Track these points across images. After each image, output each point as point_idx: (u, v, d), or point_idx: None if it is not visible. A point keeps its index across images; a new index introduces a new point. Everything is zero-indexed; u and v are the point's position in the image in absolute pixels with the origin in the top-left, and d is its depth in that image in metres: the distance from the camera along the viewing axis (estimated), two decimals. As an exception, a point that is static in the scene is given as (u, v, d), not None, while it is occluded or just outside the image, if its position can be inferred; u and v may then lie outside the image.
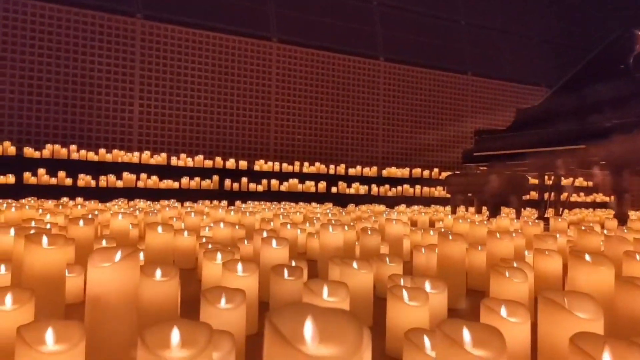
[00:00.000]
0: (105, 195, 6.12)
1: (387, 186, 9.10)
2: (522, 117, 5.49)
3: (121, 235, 2.35)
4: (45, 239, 1.15)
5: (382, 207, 5.84)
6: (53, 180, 6.84)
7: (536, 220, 3.04)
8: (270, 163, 9.11)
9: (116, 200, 5.36)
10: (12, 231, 1.75)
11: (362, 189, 8.79)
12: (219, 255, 1.44)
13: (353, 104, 11.04)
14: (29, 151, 7.39)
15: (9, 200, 4.59)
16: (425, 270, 1.71)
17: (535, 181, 6.14)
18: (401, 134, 11.47)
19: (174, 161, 8.35)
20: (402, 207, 6.24)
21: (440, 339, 0.64)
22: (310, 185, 8.43)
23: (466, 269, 1.70)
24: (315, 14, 10.67)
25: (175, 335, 0.62)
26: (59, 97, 8.40)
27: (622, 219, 4.10)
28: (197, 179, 7.76)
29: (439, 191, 9.33)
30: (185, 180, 7.66)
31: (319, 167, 9.40)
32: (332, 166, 9.53)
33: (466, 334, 0.65)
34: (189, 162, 8.38)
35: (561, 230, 2.91)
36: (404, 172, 10.02)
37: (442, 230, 2.67)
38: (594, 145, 4.17)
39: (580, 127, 4.36)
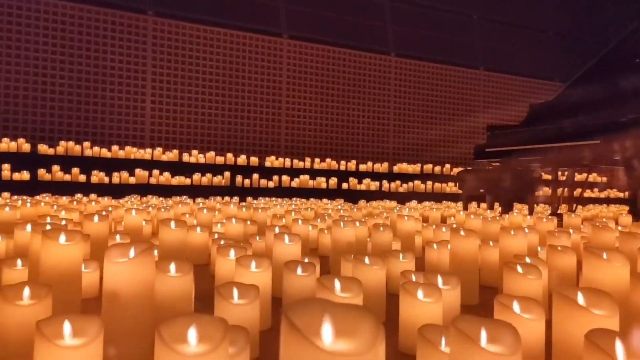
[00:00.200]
0: (118, 191, 6.18)
1: (398, 182, 9.07)
2: (536, 112, 5.45)
3: (135, 231, 2.38)
4: (62, 235, 1.16)
5: (393, 203, 5.83)
6: (67, 177, 6.91)
7: (549, 217, 3.02)
8: (281, 159, 9.13)
9: (129, 197, 5.41)
10: (28, 227, 1.78)
11: (373, 185, 8.78)
12: (232, 251, 1.45)
13: (364, 100, 11.02)
14: (43, 148, 7.47)
15: (24, 197, 4.66)
16: (438, 266, 1.71)
17: (549, 177, 6.09)
18: (412, 130, 11.42)
19: (185, 157, 8.39)
20: (414, 203, 6.22)
21: (455, 335, 0.64)
22: (321, 182, 8.44)
23: (479, 266, 1.69)
24: (325, 10, 10.65)
25: (191, 330, 0.63)
26: (73, 95, 8.48)
27: (637, 215, 4.06)
28: (209, 175, 7.80)
29: (450, 187, 9.29)
30: (197, 176, 7.71)
31: (329, 164, 9.40)
32: (343, 162, 9.52)
33: (481, 331, 0.65)
34: (201, 159, 8.43)
35: (575, 227, 2.89)
36: (415, 168, 9.99)
37: (454, 226, 2.66)
38: (608, 140, 4.12)
39: (595, 122, 4.32)
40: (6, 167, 6.61)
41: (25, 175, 6.60)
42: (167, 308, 1.06)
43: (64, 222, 2.19)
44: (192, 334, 0.63)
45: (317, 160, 9.42)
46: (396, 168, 9.93)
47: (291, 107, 10.32)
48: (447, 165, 10.33)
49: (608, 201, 9.28)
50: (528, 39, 12.75)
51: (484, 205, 5.83)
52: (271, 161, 8.98)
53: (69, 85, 8.46)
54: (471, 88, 12.18)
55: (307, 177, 8.45)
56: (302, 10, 10.44)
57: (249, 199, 6.02)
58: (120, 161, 7.73)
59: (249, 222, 2.51)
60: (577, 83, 5.45)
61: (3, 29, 8.05)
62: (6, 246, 2.09)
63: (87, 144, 7.87)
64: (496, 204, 5.61)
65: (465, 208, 5.56)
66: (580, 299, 0.86)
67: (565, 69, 11.43)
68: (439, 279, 1.19)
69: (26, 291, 0.95)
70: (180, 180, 7.54)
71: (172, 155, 8.33)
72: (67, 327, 0.71)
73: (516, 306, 0.89)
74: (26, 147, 7.37)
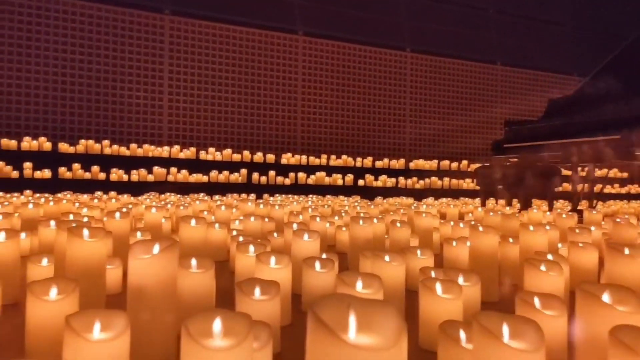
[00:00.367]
0: (136, 188, 6.26)
1: (414, 178, 9.03)
2: (555, 107, 5.38)
3: (155, 228, 2.41)
4: (86, 232, 1.19)
5: (410, 200, 5.81)
6: (87, 175, 7.02)
7: (569, 213, 2.98)
8: (297, 156, 9.15)
9: (147, 194, 5.47)
10: (52, 224, 1.82)
11: (390, 182, 8.75)
12: (251, 248, 1.46)
13: (380, 96, 10.98)
14: (64, 147, 7.59)
15: (46, 195, 4.74)
16: (456, 263, 1.70)
17: (568, 172, 6.01)
18: (429, 126, 11.36)
19: (202, 155, 8.46)
20: (430, 199, 6.19)
21: (477, 331, 0.64)
22: (337, 178, 8.44)
23: (498, 262, 1.68)
24: (340, 6, 10.62)
25: (217, 325, 0.64)
26: (92, 94, 8.60)
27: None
28: (226, 172, 7.85)
29: (467, 183, 9.22)
30: (214, 173, 7.76)
31: (345, 160, 9.39)
32: (359, 159, 9.51)
33: (504, 326, 0.65)
34: (218, 156, 8.48)
35: (595, 223, 2.85)
36: (431, 164, 9.93)
37: (473, 223, 2.65)
38: (629, 135, 4.06)
39: (615, 116, 4.25)
40: (28, 165, 6.73)
41: (46, 173, 6.72)
42: (189, 304, 1.08)
43: (85, 219, 2.23)
44: (217, 328, 0.64)
45: (333, 157, 9.42)
46: (412, 164, 9.89)
47: (307, 104, 10.33)
48: (464, 162, 10.25)
49: (629, 197, 9.13)
50: (546, 33, 12.58)
51: (502, 201, 5.77)
52: (287, 158, 9.01)
53: (88, 85, 8.58)
54: (488, 83, 12.07)
55: (323, 174, 8.46)
56: (317, 7, 10.44)
57: (266, 196, 6.05)
58: (138, 159, 7.83)
59: (266, 219, 2.53)
60: (597, 77, 5.37)
61: (23, 29, 8.18)
62: (31, 243, 2.14)
63: (106, 142, 7.98)
64: (514, 200, 5.55)
65: (483, 204, 5.51)
66: (604, 295, 0.85)
67: (584, 63, 11.25)
68: (459, 276, 1.19)
69: (54, 287, 0.97)
70: (197, 177, 7.61)
71: (189, 153, 8.41)
72: (95, 321, 0.73)
73: (538, 303, 0.89)
74: (47, 145, 7.50)
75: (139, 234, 2.01)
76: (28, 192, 5.06)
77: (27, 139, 7.50)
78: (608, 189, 9.10)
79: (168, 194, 5.58)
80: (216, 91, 9.57)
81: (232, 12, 9.63)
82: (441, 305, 1.03)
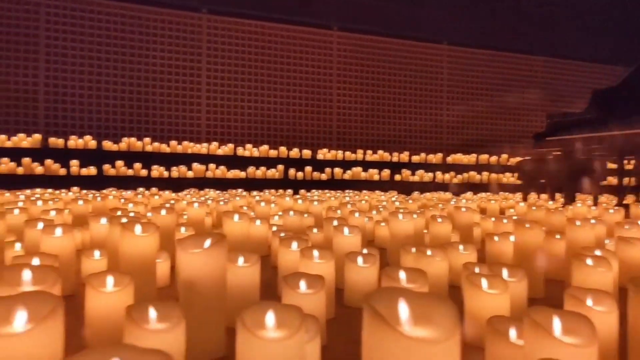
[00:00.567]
0: (177, 185, 6.41)
1: (452, 173, 8.91)
2: (599, 98, 5.20)
3: (197, 223, 2.47)
4: (138, 227, 1.24)
5: (448, 195, 5.74)
6: (130, 172, 7.23)
7: (615, 207, 2.90)
8: (333, 152, 9.16)
9: (187, 190, 5.59)
10: (103, 220, 1.89)
11: (427, 177, 8.67)
12: (294, 243, 1.48)
13: (416, 90, 10.87)
14: (107, 144, 7.84)
15: (92, 191, 4.92)
16: (499, 258, 1.68)
17: (614, 166, 5.82)
18: (467, 120, 11.17)
19: (240, 151, 8.58)
20: (469, 194, 6.10)
21: (529, 326, 0.64)
22: (373, 173, 8.42)
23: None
24: None
25: (270, 317, 0.66)
26: (133, 93, 8.85)
27: None
28: (263, 168, 7.94)
29: (507, 178, 9.03)
30: (251, 169, 7.86)
31: (382, 155, 9.35)
32: (395, 154, 9.44)
33: (556, 322, 0.65)
34: (255, 152, 8.59)
35: (644, 218, 2.76)
36: (470, 158, 9.77)
37: (514, 217, 2.60)
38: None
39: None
40: (75, 163, 6.98)
41: (92, 170, 6.96)
42: (236, 297, 1.11)
43: (132, 215, 2.30)
44: (271, 320, 0.66)
45: (369, 152, 9.39)
46: (450, 159, 9.75)
47: (342, 100, 10.33)
48: (504, 156, 10.04)
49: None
50: (588, 23, 12.13)
51: (544, 196, 5.64)
52: (323, 154, 9.03)
53: (130, 84, 8.83)
54: (528, 75, 11.78)
55: (359, 169, 8.45)
56: (352, 1, 10.39)
57: (302, 191, 6.09)
58: (178, 156, 8.01)
59: (305, 215, 2.55)
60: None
61: (67, 31, 8.47)
62: (82, 237, 2.23)
63: (147, 139, 8.20)
64: (557, 195, 5.41)
65: (525, 199, 5.40)
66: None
67: (629, 52, 10.81)
68: (504, 271, 1.18)
69: (110, 279, 1.02)
70: (235, 173, 7.72)
71: (227, 149, 8.54)
72: (152, 312, 0.76)
73: (588, 299, 0.88)
74: (92, 143, 7.76)
75: (182, 229, 2.06)
76: (75, 188, 5.26)
77: (73, 137, 7.78)
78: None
79: (207, 189, 5.69)
80: (252, 88, 9.68)
81: (267, 9, 9.70)
82: (487, 301, 1.03)
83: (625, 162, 5.12)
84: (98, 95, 8.63)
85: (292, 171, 7.99)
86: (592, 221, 2.04)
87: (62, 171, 6.88)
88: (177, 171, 7.41)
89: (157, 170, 7.32)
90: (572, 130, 5.13)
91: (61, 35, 8.44)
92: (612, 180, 6.75)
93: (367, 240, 2.50)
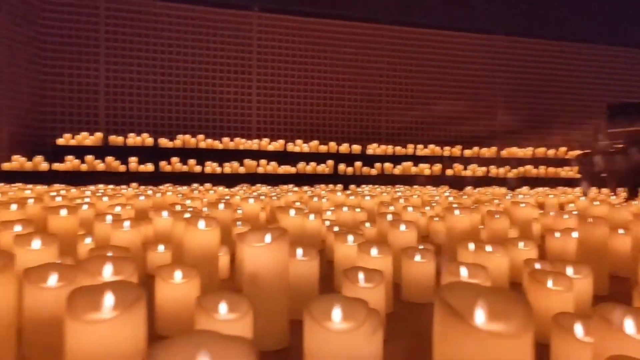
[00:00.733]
0: (229, 180, 6.55)
1: (507, 167, 8.67)
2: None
3: (252, 218, 2.53)
4: (202, 222, 1.29)
5: (503, 190, 5.60)
6: (184, 168, 7.45)
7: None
8: (383, 146, 9.11)
9: (240, 186, 5.71)
10: (164, 214, 1.97)
11: (480, 171, 8.47)
12: (350, 237, 1.50)
13: (467, 82, 10.62)
14: (163, 142, 8.12)
15: (150, 187, 5.11)
16: (561, 255, 1.64)
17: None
18: (522, 111, 10.83)
19: (290, 147, 8.67)
20: (525, 189, 5.92)
21: (599, 323, 0.63)
22: (424, 168, 8.31)
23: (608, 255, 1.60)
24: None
25: (336, 309, 0.68)
26: (187, 91, 9.12)
27: None
28: (313, 163, 7.99)
29: (565, 171, 8.70)
30: (301, 165, 7.93)
31: (433, 149, 9.21)
32: (447, 148, 9.28)
33: (626, 319, 0.63)
34: (305, 148, 8.66)
35: None
36: (525, 152, 9.47)
37: (575, 212, 2.52)
38: None
39: None
40: (133, 159, 7.27)
41: (149, 166, 7.22)
42: (296, 290, 1.14)
43: (189, 210, 2.39)
44: (337, 312, 0.68)
45: (420, 146, 9.27)
46: (504, 152, 9.49)
47: (392, 94, 10.25)
48: (562, 148, 9.67)
49: None
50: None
51: (605, 190, 5.40)
52: (373, 149, 8.99)
53: (184, 83, 9.11)
54: (587, 64, 11.26)
55: (410, 163, 8.36)
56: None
57: (352, 186, 6.09)
58: (230, 152, 8.18)
59: (357, 210, 2.56)
60: None
61: (126, 32, 8.82)
62: (144, 232, 2.33)
63: (201, 136, 8.42)
64: (619, 189, 5.17)
65: (586, 194, 5.19)
66: None
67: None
68: (568, 268, 1.15)
69: (177, 272, 1.07)
70: (285, 169, 7.82)
71: (277, 145, 8.65)
72: (222, 303, 0.80)
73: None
74: (149, 141, 8.06)
75: (239, 223, 2.12)
76: (134, 184, 5.48)
77: (131, 135, 8.10)
78: None
79: (258, 185, 5.79)
80: (302, 84, 9.76)
81: (316, 5, 9.74)
82: (551, 298, 1.01)
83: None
84: (154, 95, 8.96)
85: (342, 166, 8.01)
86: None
87: (122, 168, 7.18)
88: (229, 167, 7.58)
89: (210, 166, 7.51)
90: (635, 122, 4.89)
91: (120, 37, 8.81)
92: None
93: (422, 236, 2.48)
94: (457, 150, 9.24)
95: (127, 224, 1.51)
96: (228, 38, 9.35)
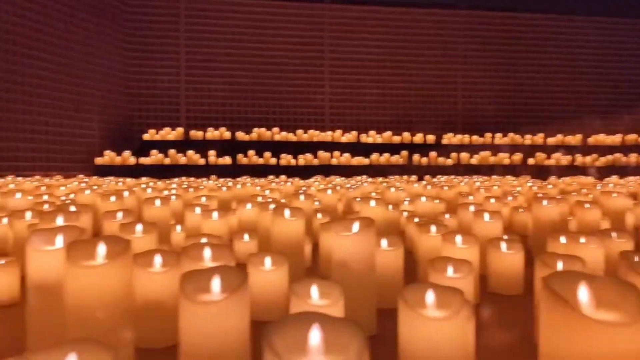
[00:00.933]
0: (304, 172, 6.66)
1: (594, 155, 8.16)
2: None
3: (330, 208, 2.56)
4: (287, 212, 1.33)
5: (589, 179, 5.28)
6: (260, 160, 7.67)
7: None
8: (458, 136, 8.87)
9: (315, 177, 5.78)
10: (248, 205, 2.05)
11: (565, 160, 8.03)
12: (433, 228, 1.49)
13: (549, 66, 10.09)
14: (240, 135, 8.39)
15: (229, 179, 5.30)
16: (662, 247, 1.53)
17: None
18: (609, 96, 10.13)
19: (363, 138, 8.66)
20: (614, 178, 5.55)
21: None
22: (503, 157, 8.01)
23: None
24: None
25: (430, 296, 0.69)
26: (262, 85, 9.36)
27: None
28: (386, 154, 7.94)
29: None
30: (374, 156, 7.91)
31: (512, 138, 8.84)
32: (528, 136, 8.87)
33: None
34: (378, 139, 8.61)
35: None
36: (614, 139, 8.86)
37: (676, 203, 2.33)
38: None
39: None
40: (212, 153, 7.58)
41: (227, 159, 7.50)
42: (381, 279, 1.15)
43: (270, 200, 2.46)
44: (431, 299, 0.68)
45: (498, 135, 8.93)
46: (591, 140, 8.93)
47: (467, 81, 9.94)
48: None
49: None
50: None
51: None
52: (448, 138, 8.78)
53: (260, 77, 9.35)
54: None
55: (487, 153, 8.09)
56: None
57: (427, 177, 5.99)
58: (304, 144, 8.30)
59: (436, 201, 2.53)
60: None
61: (205, 30, 9.18)
62: (228, 222, 2.44)
63: (275, 129, 8.62)
64: None
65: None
66: None
67: None
68: (673, 261, 1.08)
69: (267, 259, 1.12)
70: (359, 160, 7.82)
71: (350, 136, 8.67)
72: (313, 288, 0.83)
73: None
74: (227, 135, 8.36)
75: (319, 215, 2.16)
76: (214, 177, 5.71)
77: (210, 129, 8.44)
78: None
79: (333, 176, 5.84)
80: (374, 74, 9.70)
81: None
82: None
83: None
84: (230, 90, 9.28)
85: (416, 157, 7.90)
86: None
87: (202, 161, 7.51)
88: (303, 159, 7.70)
89: (285, 159, 7.67)
90: None
91: (196, 35, 9.18)
92: None
93: (505, 227, 2.41)
94: (539, 139, 8.81)
95: (215, 214, 1.59)
96: (300, 32, 9.47)
